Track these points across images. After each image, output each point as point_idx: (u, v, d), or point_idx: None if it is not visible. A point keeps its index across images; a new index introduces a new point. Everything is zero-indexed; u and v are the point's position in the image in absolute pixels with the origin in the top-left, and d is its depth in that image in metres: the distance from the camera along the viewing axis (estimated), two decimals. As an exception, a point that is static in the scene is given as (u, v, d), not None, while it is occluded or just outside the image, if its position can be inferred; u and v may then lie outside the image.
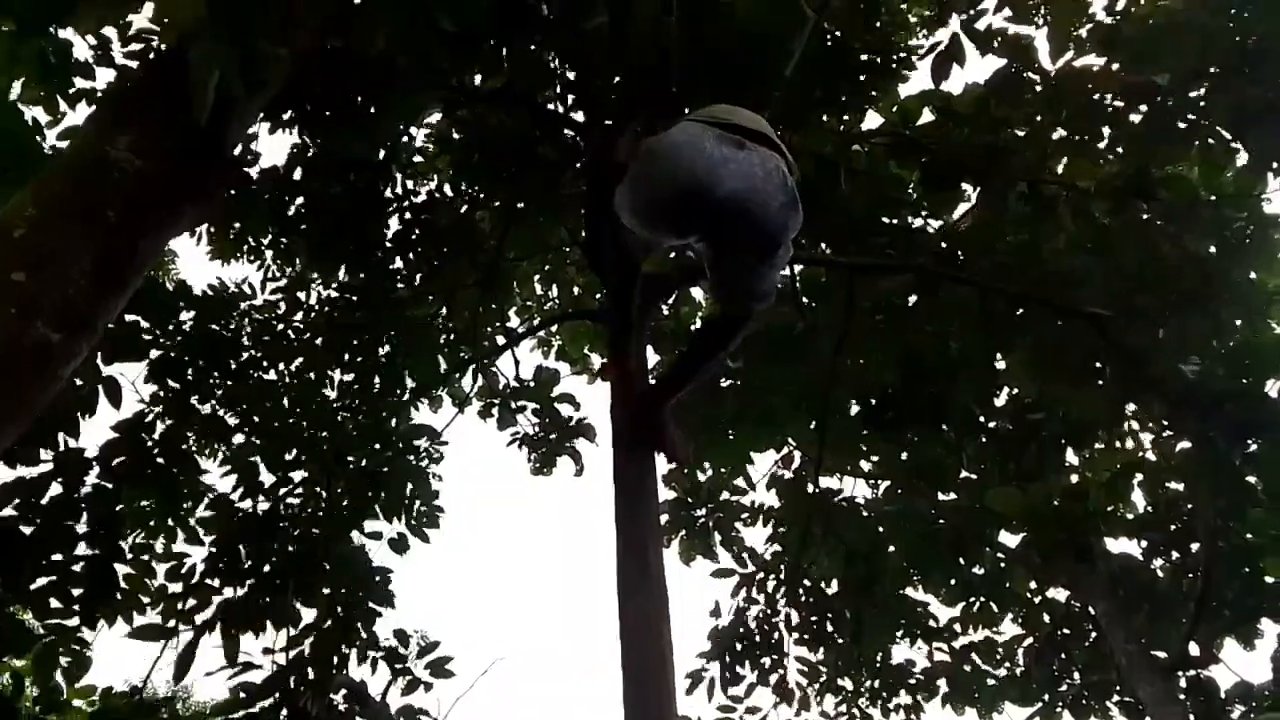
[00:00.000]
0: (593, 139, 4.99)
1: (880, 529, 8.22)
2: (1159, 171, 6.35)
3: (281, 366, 6.26)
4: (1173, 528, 8.40)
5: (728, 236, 2.82)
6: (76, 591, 4.39)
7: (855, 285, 5.77)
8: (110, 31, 5.32)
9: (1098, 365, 6.25)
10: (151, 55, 5.33)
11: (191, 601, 4.84)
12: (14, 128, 3.31)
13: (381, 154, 6.62)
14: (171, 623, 4.75)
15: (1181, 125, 6.02)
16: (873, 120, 6.96)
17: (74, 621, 4.42)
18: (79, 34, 5.00)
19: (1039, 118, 6.22)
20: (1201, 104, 5.92)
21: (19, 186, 3.32)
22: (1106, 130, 6.23)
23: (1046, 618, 8.98)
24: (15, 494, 4.33)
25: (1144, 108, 6.06)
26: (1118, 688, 8.62)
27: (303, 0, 3.14)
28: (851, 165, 6.30)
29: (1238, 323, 6.55)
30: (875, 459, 8.37)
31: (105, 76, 7.91)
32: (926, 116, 6.52)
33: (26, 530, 4.31)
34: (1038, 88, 6.18)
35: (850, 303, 6.14)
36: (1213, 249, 6.45)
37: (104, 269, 3.09)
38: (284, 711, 4.47)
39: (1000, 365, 7.40)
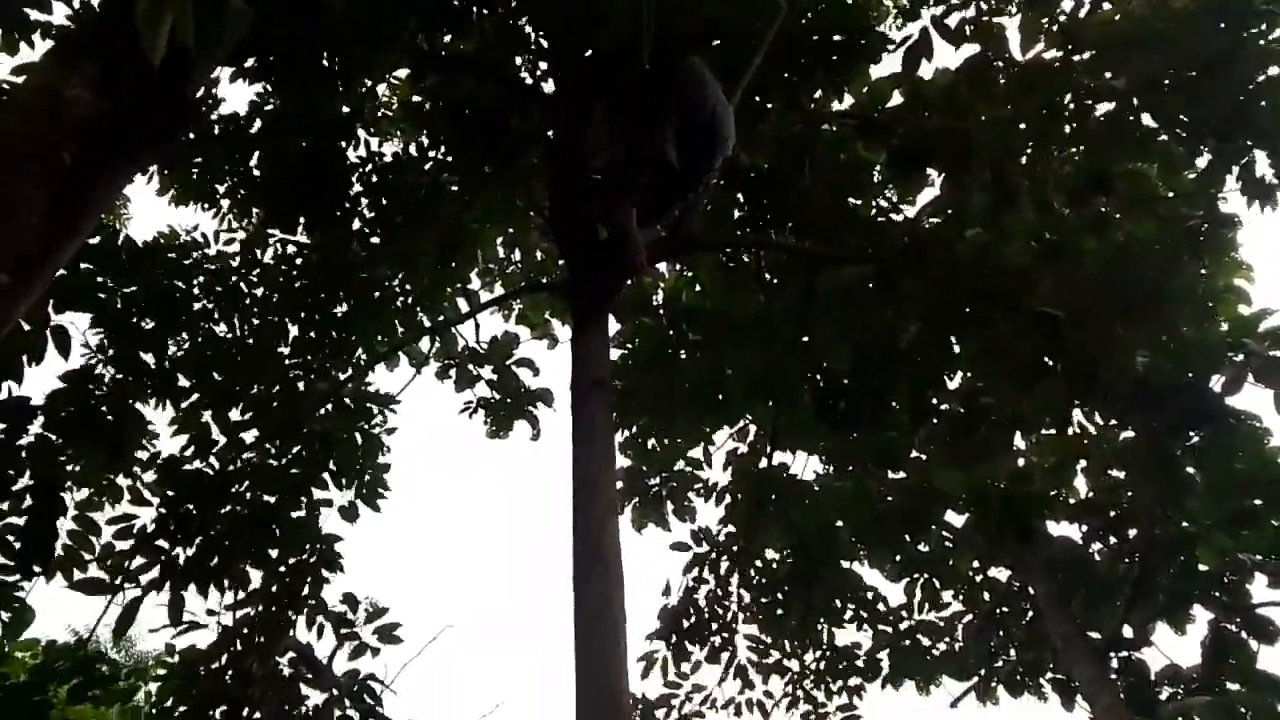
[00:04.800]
0: (562, 111, 4.94)
1: (830, 509, 8.33)
2: (1119, 168, 6.45)
3: (235, 323, 6.14)
4: (1112, 514, 8.61)
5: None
6: (16, 545, 4.31)
7: (817, 271, 5.80)
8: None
9: (1047, 364, 6.35)
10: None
11: (139, 560, 4.78)
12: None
13: (346, 111, 6.50)
14: (118, 580, 4.69)
15: (1142, 127, 6.08)
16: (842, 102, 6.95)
17: (13, 578, 4.35)
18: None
19: (1007, 107, 6.25)
20: (1160, 109, 6.00)
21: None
22: (1068, 128, 6.29)
23: (987, 596, 9.22)
24: None
25: (1104, 107, 6.12)
26: (1052, 666, 8.89)
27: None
28: (818, 147, 6.30)
29: (1183, 320, 6.69)
30: (828, 442, 8.48)
31: (62, 10, 7.65)
32: (896, 99, 6.54)
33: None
34: (1004, 79, 6.21)
35: (810, 291, 6.19)
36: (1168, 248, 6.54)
37: (58, 210, 3.00)
38: (229, 674, 4.45)
39: (956, 350, 7.52)
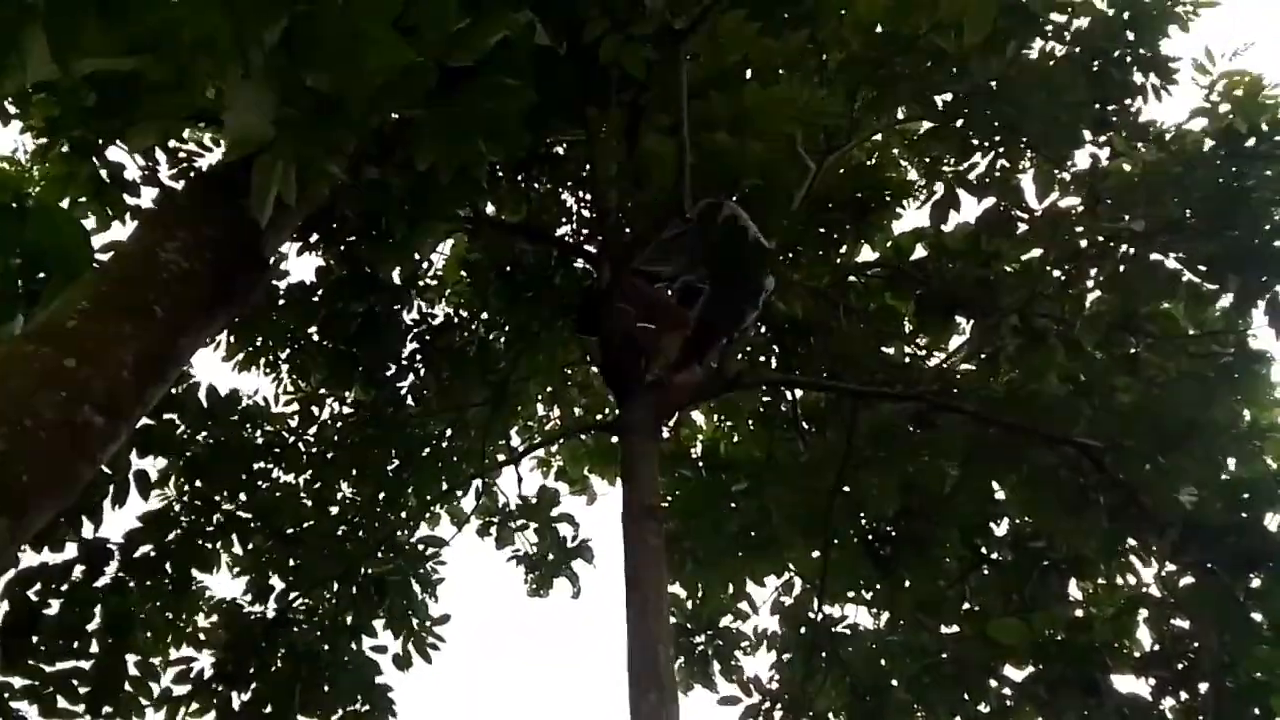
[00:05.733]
0: (607, 262, 5.30)
1: (883, 661, 8.09)
2: (1145, 308, 6.64)
3: (293, 477, 6.39)
4: (1179, 666, 8.24)
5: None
6: (84, 690, 4.39)
7: (856, 413, 5.95)
8: (159, 154, 5.74)
9: (1091, 497, 6.34)
10: (193, 174, 5.75)
11: (195, 705, 4.82)
12: (69, 233, 3.58)
13: (399, 278, 6.97)
14: (177, 721, 4.73)
15: (1164, 268, 6.30)
16: (868, 255, 7.31)
17: (79, 712, 4.40)
18: (130, 152, 5.39)
19: (1028, 254, 6.54)
20: (1181, 248, 6.23)
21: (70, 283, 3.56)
22: (1093, 271, 6.53)
23: (1056, 761, 8.70)
24: (40, 578, 4.42)
25: (1127, 250, 6.37)
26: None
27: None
28: (847, 298, 6.60)
29: (1230, 459, 6.67)
30: (877, 588, 8.34)
31: (150, 195, 8.38)
32: (920, 252, 6.87)
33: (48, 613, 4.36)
34: (1024, 226, 6.52)
35: (851, 430, 6.31)
36: (1201, 383, 6.62)
37: (146, 360, 3.29)
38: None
39: (999, 495, 7.50)
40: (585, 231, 6.83)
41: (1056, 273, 6.62)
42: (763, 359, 6.91)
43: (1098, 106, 6.35)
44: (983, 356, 6.95)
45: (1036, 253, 6.57)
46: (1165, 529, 6.02)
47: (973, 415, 6.01)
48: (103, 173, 5.48)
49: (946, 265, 6.65)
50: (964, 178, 6.65)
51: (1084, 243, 6.36)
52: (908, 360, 6.99)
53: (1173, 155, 6.14)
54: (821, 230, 6.56)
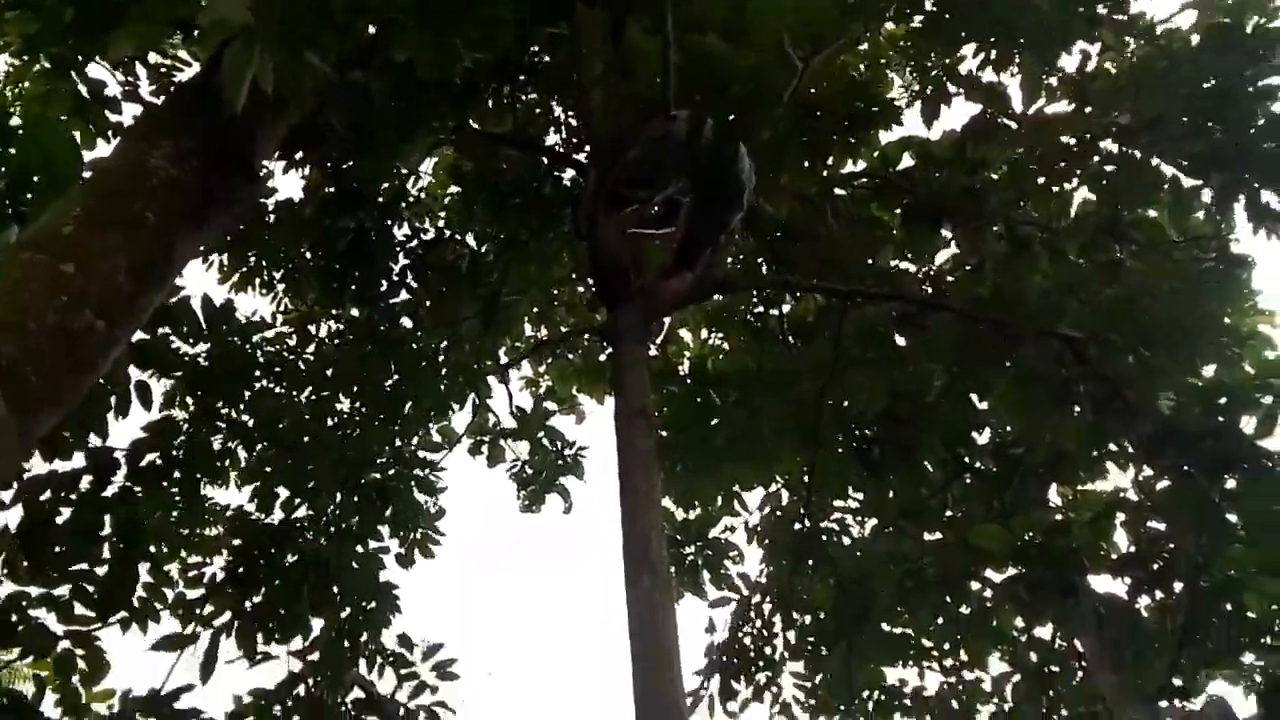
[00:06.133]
0: (593, 168, 5.33)
1: (869, 566, 8.34)
2: (1129, 214, 6.69)
3: (294, 394, 6.48)
4: (1155, 566, 8.51)
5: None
6: (98, 596, 4.56)
7: (844, 316, 6.03)
8: (139, 70, 5.69)
9: (1073, 395, 6.47)
10: (175, 87, 5.71)
11: (209, 608, 5.03)
12: (56, 145, 3.61)
13: (387, 194, 6.97)
14: (190, 628, 4.94)
15: (1149, 166, 6.31)
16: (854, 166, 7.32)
17: (93, 623, 4.58)
18: (111, 68, 5.35)
19: (1013, 160, 6.55)
20: (1165, 146, 6.23)
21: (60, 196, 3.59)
22: (1078, 173, 6.55)
23: (1034, 656, 9.04)
24: (50, 485, 4.56)
25: (1111, 148, 6.38)
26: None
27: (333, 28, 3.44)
28: (837, 203, 6.63)
29: (1209, 364, 6.79)
30: (861, 498, 8.55)
31: (131, 111, 8.30)
32: (907, 161, 6.89)
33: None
34: (1010, 133, 6.53)
35: (838, 336, 6.41)
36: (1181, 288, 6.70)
37: (143, 267, 3.35)
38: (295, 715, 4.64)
39: (982, 406, 7.64)
40: (573, 141, 6.81)
41: (1041, 178, 6.63)
42: (754, 265, 6.97)
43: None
44: (968, 267, 7.02)
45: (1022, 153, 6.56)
46: (1147, 437, 6.17)
47: (960, 313, 6.10)
48: (83, 90, 5.43)
49: (933, 174, 6.67)
50: (953, 70, 6.60)
51: (1070, 140, 6.36)
52: (895, 269, 7.05)
53: (1160, 50, 6.11)
54: (808, 141, 6.54)
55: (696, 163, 4.85)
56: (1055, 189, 6.59)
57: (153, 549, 5.02)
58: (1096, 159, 6.38)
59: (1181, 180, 6.28)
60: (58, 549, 4.52)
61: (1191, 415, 6.31)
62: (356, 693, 5.08)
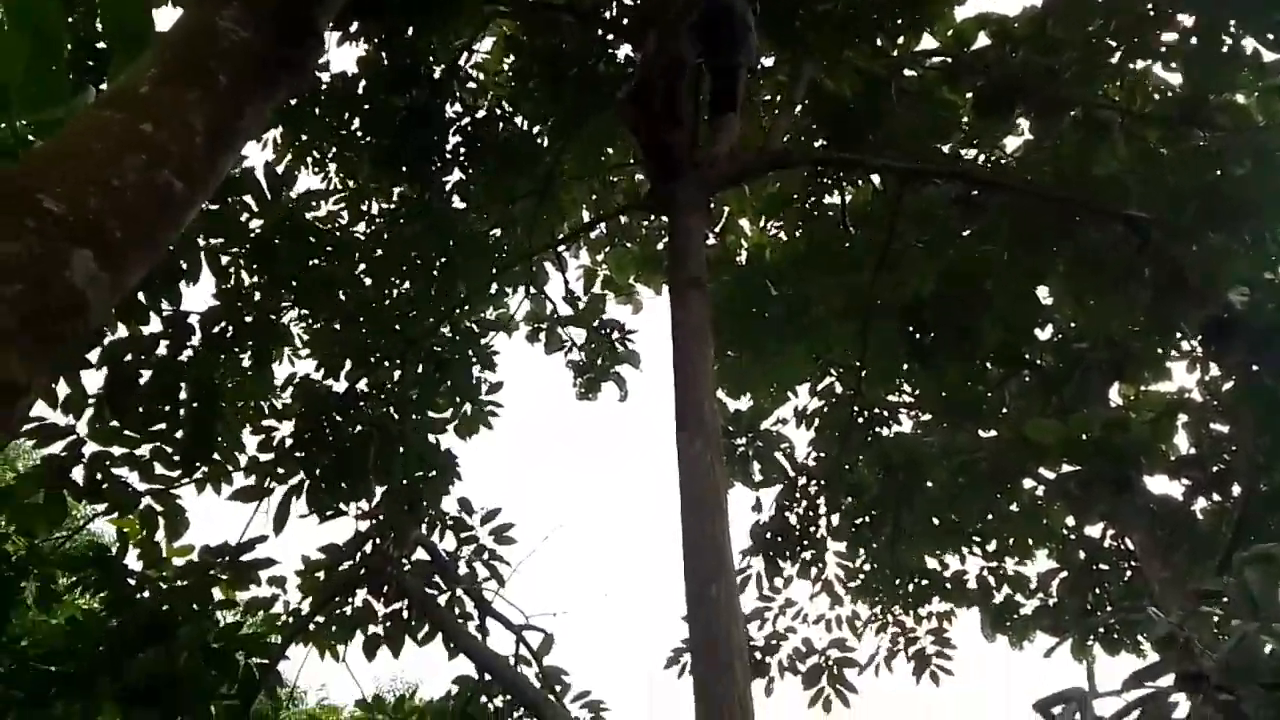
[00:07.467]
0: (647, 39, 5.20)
1: (919, 453, 8.30)
2: (1216, 99, 6.32)
3: (350, 269, 6.53)
4: (1214, 469, 8.38)
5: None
6: (176, 457, 4.77)
7: (902, 198, 5.85)
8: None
9: (1136, 278, 6.23)
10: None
11: (280, 470, 5.23)
12: (128, 7, 3.60)
13: (441, 71, 6.83)
14: (266, 483, 5.15)
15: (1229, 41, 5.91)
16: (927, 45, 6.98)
17: (173, 482, 4.79)
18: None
19: (1094, 40, 6.18)
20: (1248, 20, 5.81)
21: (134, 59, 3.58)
22: (1160, 50, 6.16)
23: (1082, 554, 9.04)
24: (130, 348, 4.72)
25: (1188, 22, 5.96)
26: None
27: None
28: (901, 87, 6.36)
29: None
30: (915, 391, 8.48)
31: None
32: (982, 40, 6.56)
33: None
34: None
35: (894, 217, 6.21)
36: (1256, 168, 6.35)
37: (216, 128, 3.35)
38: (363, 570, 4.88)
39: (1047, 302, 7.43)
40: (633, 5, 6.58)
41: (1117, 54, 6.23)
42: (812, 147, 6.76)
43: None
44: (1039, 152, 6.73)
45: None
46: (1209, 306, 5.94)
47: (1022, 190, 5.87)
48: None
49: (1010, 54, 6.34)
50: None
51: (1149, 6, 5.97)
52: (957, 155, 6.80)
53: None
54: (876, 16, 6.24)
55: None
56: (1132, 65, 6.20)
57: (225, 412, 5.20)
58: (1175, 35, 5.97)
59: (1263, 54, 5.88)
60: (140, 410, 4.70)
61: (1265, 310, 6.09)
62: (420, 554, 5.33)
